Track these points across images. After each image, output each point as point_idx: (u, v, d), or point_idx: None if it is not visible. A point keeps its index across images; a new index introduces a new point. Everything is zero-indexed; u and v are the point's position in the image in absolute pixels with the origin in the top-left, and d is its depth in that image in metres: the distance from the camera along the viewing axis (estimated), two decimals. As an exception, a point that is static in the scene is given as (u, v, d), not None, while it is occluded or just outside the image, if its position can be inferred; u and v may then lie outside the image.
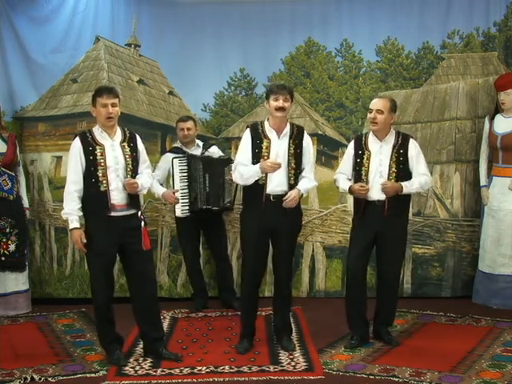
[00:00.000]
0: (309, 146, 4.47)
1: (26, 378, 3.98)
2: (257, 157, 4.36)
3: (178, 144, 5.60)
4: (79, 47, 5.92)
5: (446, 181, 5.95)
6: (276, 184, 4.33)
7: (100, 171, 4.07)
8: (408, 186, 4.41)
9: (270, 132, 4.39)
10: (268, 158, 4.34)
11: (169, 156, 5.48)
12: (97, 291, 4.20)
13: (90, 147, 4.09)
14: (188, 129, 5.46)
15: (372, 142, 4.49)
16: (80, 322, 5.26)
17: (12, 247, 5.41)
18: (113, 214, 4.10)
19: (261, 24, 5.92)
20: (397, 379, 3.94)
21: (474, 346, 4.51)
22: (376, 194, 4.43)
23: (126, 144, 4.18)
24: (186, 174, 5.36)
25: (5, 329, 5.08)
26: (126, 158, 4.15)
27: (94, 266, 4.18)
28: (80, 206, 4.11)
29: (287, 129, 4.40)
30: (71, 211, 4.09)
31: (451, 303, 5.65)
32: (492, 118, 5.58)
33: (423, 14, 5.87)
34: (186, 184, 5.35)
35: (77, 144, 4.11)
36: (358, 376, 4.02)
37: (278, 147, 4.37)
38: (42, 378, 4.01)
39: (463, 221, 5.93)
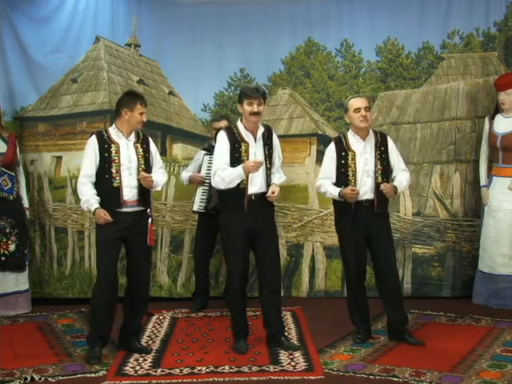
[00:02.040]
0: (277, 144, 4.55)
1: (26, 378, 3.98)
2: (237, 161, 4.34)
3: (214, 143, 5.62)
4: (79, 47, 5.93)
5: (446, 181, 5.95)
6: (258, 186, 4.37)
7: (114, 168, 4.25)
8: (400, 186, 4.50)
9: (247, 135, 4.40)
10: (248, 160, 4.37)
11: (202, 153, 5.58)
12: (103, 283, 4.27)
13: (106, 145, 4.27)
14: (221, 128, 5.49)
15: (354, 143, 4.49)
16: (80, 322, 5.26)
17: (12, 247, 5.41)
18: (124, 209, 4.25)
19: (261, 24, 5.93)
20: (397, 379, 3.94)
21: (474, 346, 4.51)
22: (365, 193, 4.43)
23: (139, 145, 4.37)
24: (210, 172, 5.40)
25: (5, 329, 5.08)
26: (138, 158, 4.32)
27: (101, 257, 4.30)
28: (96, 192, 4.24)
29: (261, 131, 4.44)
30: (90, 196, 4.22)
31: (451, 303, 5.65)
32: (492, 118, 5.58)
33: (423, 13, 5.88)
34: (209, 182, 5.38)
35: (93, 141, 4.28)
36: (358, 376, 4.02)
37: (256, 150, 4.40)
38: (42, 378, 4.01)
39: (463, 221, 5.93)
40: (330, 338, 4.71)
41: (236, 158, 4.34)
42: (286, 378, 3.99)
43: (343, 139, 4.53)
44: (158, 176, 4.42)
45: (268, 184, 4.42)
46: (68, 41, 5.89)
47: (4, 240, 5.37)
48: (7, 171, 5.35)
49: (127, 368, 4.19)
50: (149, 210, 4.39)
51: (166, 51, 6.01)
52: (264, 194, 4.39)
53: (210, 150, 5.49)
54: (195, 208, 5.49)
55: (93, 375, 4.08)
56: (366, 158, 4.45)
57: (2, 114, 5.52)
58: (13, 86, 5.87)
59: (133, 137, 4.36)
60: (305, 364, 4.22)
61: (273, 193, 4.34)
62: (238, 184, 4.32)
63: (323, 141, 6.01)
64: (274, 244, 4.52)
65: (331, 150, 4.52)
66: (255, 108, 4.30)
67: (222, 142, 4.39)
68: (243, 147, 4.36)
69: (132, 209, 4.28)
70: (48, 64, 5.88)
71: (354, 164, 4.44)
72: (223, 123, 5.48)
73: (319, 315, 5.31)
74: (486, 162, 5.64)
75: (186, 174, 5.59)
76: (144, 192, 4.33)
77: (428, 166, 5.90)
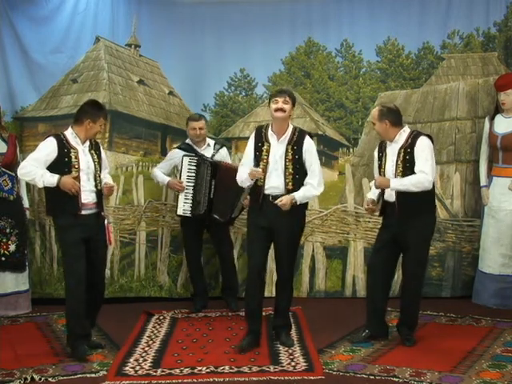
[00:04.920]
0: (309, 151, 4.47)
1: (26, 378, 3.99)
2: (257, 159, 4.46)
3: (188, 141, 5.56)
4: (79, 47, 5.92)
5: (446, 181, 5.95)
6: (274, 186, 4.43)
7: (74, 173, 4.32)
8: (395, 182, 4.37)
9: (272, 136, 4.47)
10: (267, 161, 4.42)
11: (178, 152, 5.49)
12: (79, 281, 4.31)
13: (65, 149, 4.35)
14: (200, 128, 5.43)
15: (388, 144, 4.56)
16: (80, 322, 5.25)
17: (12, 247, 5.41)
18: (83, 212, 4.35)
19: (261, 24, 5.92)
20: (397, 379, 3.94)
21: (474, 346, 4.52)
22: (389, 195, 4.47)
23: (93, 151, 4.50)
24: (193, 175, 5.36)
25: (5, 329, 5.08)
26: (95, 164, 4.45)
27: (71, 257, 4.35)
28: None
29: (288, 133, 4.46)
30: (43, 171, 4.26)
31: (451, 303, 5.65)
32: (492, 118, 5.58)
33: (423, 14, 5.87)
34: (192, 185, 5.35)
35: (52, 145, 4.34)
36: (358, 376, 4.02)
37: (276, 151, 4.43)
38: (42, 378, 4.02)
39: (463, 221, 5.93)
40: (330, 338, 4.71)
41: (257, 157, 4.48)
42: (286, 378, 4.00)
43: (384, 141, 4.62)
44: (109, 181, 4.64)
45: (287, 190, 4.41)
46: (68, 41, 5.88)
47: (4, 240, 5.37)
48: (7, 171, 5.35)
49: (127, 368, 4.20)
50: (103, 213, 4.56)
51: (165, 51, 6.00)
52: (282, 196, 4.42)
53: (188, 150, 5.45)
54: (180, 212, 5.40)
55: (93, 375, 4.08)
56: (393, 160, 4.48)
57: (2, 114, 5.51)
58: (13, 86, 5.86)
59: (87, 143, 4.46)
60: (305, 364, 4.22)
61: (280, 201, 4.36)
62: (256, 181, 4.44)
63: (323, 141, 6.02)
64: (286, 247, 4.52)
65: (376, 149, 4.69)
66: (279, 104, 4.37)
67: (249, 141, 4.58)
68: (265, 147, 4.45)
69: (90, 211, 4.41)
70: (48, 64, 5.87)
71: (384, 164, 4.53)
72: (201, 123, 5.44)
73: (319, 315, 5.31)
74: (486, 162, 5.64)
75: (162, 175, 5.49)
76: (100, 196, 4.49)
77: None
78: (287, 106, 4.38)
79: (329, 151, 6.04)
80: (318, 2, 5.95)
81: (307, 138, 4.51)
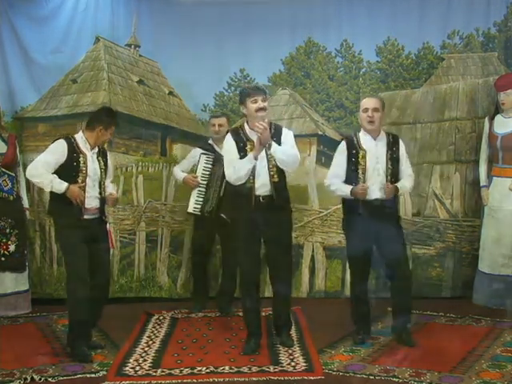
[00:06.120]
0: (287, 140, 4.42)
1: (25, 378, 3.98)
2: None
3: (210, 141, 5.55)
4: (79, 47, 5.93)
5: (446, 181, 5.95)
6: (261, 184, 4.35)
7: (80, 178, 4.34)
8: (402, 188, 4.52)
9: (252, 135, 4.38)
10: None
11: (198, 151, 5.50)
12: (78, 282, 4.29)
13: (75, 153, 4.35)
14: (220, 125, 5.41)
15: (366, 141, 4.49)
16: (80, 322, 5.25)
17: (12, 248, 5.41)
18: (86, 217, 4.36)
19: (261, 24, 5.93)
20: (397, 379, 3.93)
21: (474, 346, 4.51)
22: (374, 192, 4.42)
23: (100, 158, 4.50)
24: (208, 173, 5.36)
25: (5, 329, 5.08)
26: (101, 171, 4.45)
27: (72, 256, 4.34)
28: None
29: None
30: (53, 176, 4.27)
31: (451, 303, 5.65)
32: (492, 119, 5.58)
33: (423, 14, 5.88)
34: (205, 183, 5.35)
35: (64, 147, 4.33)
36: (358, 376, 4.02)
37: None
38: (42, 378, 4.01)
39: (463, 221, 5.93)
40: (330, 338, 4.71)
41: (242, 157, 4.35)
42: (286, 378, 3.99)
43: (354, 138, 4.53)
44: (111, 190, 4.62)
45: (274, 183, 4.35)
46: (68, 41, 5.89)
47: (4, 240, 5.37)
48: (7, 171, 5.35)
49: (127, 368, 4.20)
50: (104, 217, 4.55)
51: (166, 51, 6.01)
52: (272, 196, 4.36)
53: (207, 149, 5.48)
54: (190, 210, 5.41)
55: (93, 375, 4.08)
56: (377, 157, 4.45)
57: (2, 114, 5.52)
58: (13, 86, 5.87)
59: (95, 149, 4.46)
60: (305, 364, 4.22)
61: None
62: (245, 183, 4.32)
63: (323, 141, 6.02)
64: (283, 246, 4.49)
65: (342, 149, 4.53)
66: (260, 104, 4.31)
67: (228, 144, 4.43)
68: (249, 147, 4.36)
69: (92, 216, 4.42)
70: (48, 64, 5.88)
71: (365, 162, 4.44)
72: (222, 120, 5.44)
73: (319, 315, 5.30)
74: (485, 162, 5.64)
75: (179, 172, 5.52)
76: (103, 202, 4.49)
77: (428, 167, 5.89)
78: (267, 104, 4.36)
79: (329, 151, 6.03)
80: (317, 2, 5.96)
81: (283, 129, 4.49)
